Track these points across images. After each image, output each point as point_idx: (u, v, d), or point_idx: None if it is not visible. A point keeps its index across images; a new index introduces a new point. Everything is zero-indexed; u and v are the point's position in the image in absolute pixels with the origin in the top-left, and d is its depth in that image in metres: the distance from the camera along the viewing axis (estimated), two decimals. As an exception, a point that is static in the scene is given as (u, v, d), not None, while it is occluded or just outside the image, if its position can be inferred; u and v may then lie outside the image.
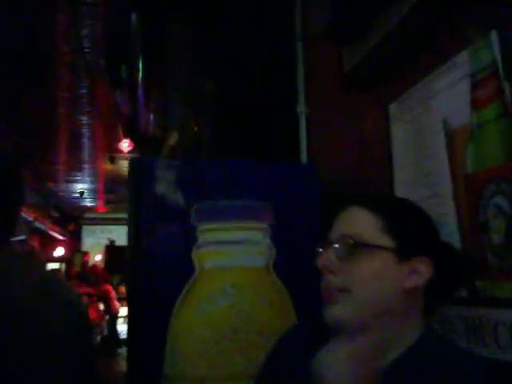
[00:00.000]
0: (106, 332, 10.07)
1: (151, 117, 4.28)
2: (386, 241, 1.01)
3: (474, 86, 1.32)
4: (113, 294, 10.36)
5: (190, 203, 1.80)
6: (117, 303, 10.27)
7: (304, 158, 2.30)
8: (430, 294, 1.03)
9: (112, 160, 8.35)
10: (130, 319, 1.84)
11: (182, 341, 1.72)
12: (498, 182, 1.24)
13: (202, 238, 1.79)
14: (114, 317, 10.18)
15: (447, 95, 1.43)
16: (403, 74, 1.66)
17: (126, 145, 6.60)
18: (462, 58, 1.36)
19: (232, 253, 1.80)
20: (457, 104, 1.38)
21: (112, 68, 4.18)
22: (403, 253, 1.01)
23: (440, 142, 1.46)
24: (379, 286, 1.00)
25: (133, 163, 1.87)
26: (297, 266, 1.77)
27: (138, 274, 1.80)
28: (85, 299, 10.08)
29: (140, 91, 3.83)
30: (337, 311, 1.00)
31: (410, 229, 1.04)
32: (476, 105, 1.31)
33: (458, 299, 1.36)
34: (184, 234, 1.80)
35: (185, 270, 1.78)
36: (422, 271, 1.01)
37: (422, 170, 1.55)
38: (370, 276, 1.00)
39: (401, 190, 1.66)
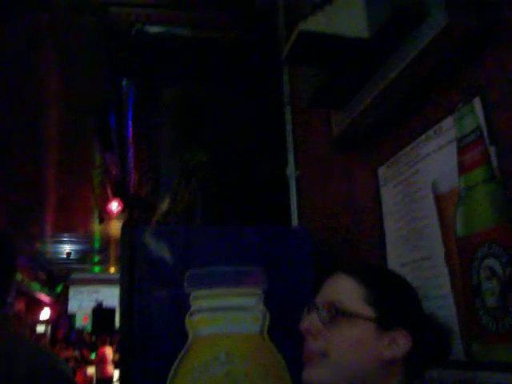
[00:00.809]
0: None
1: (142, 180, 4.30)
2: (368, 311, 1.06)
3: (461, 151, 1.35)
4: (107, 357, 10.11)
5: (182, 270, 1.80)
6: (111, 367, 10.01)
7: (295, 220, 2.31)
8: (410, 363, 1.06)
9: (101, 221, 8.32)
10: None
11: (177, 413, 1.69)
12: (489, 245, 1.25)
13: (194, 304, 1.78)
14: (107, 381, 9.90)
15: (435, 159, 1.47)
16: (391, 138, 1.70)
17: (115, 206, 6.61)
18: (448, 122, 1.40)
19: (226, 319, 1.79)
20: (445, 167, 1.41)
21: (102, 131, 4.24)
22: (383, 324, 1.05)
23: (430, 204, 1.48)
24: (357, 354, 1.03)
25: (125, 230, 1.88)
26: (292, 332, 1.76)
27: (130, 340, 1.78)
28: (71, 363, 9.80)
29: (130, 154, 3.86)
30: (314, 374, 1.05)
31: (391, 301, 1.09)
32: (463, 169, 1.34)
33: (455, 363, 1.35)
34: (177, 300, 1.79)
35: (178, 336, 1.76)
36: (400, 343, 1.05)
37: (413, 232, 1.57)
38: (348, 343, 1.04)
39: (393, 253, 1.67)
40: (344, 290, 1.10)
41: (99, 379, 10.01)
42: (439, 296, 1.43)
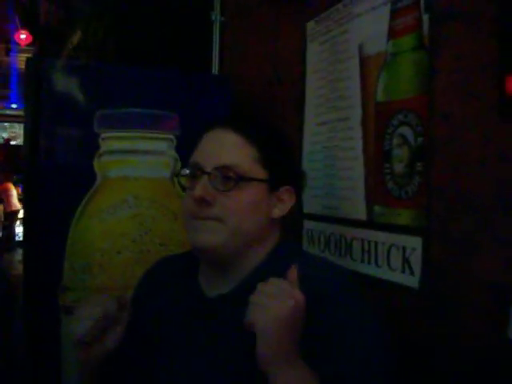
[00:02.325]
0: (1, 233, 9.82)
1: (52, 9, 3.92)
2: (261, 173, 1.03)
3: (393, 14, 1.30)
4: (12, 192, 10.01)
5: (92, 109, 1.71)
6: (15, 201, 9.97)
7: (215, 68, 2.23)
8: (286, 216, 1.08)
9: (8, 52, 7.74)
10: (27, 224, 1.78)
11: (82, 251, 1.69)
12: (405, 113, 1.26)
13: (104, 146, 1.72)
14: (12, 216, 9.89)
15: (366, 20, 1.41)
16: (324, -9, 1.61)
17: (23, 36, 6.10)
18: (386, -18, 1.33)
19: (135, 163, 1.75)
20: (375, 30, 1.37)
21: None
22: (273, 184, 1.04)
23: (354, 66, 1.45)
24: (251, 217, 1.03)
25: (31, 62, 1.73)
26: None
27: (35, 177, 1.72)
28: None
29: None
30: (210, 238, 1.01)
31: (280, 160, 1.07)
32: (393, 33, 1.31)
33: (357, 222, 1.42)
34: (86, 140, 1.72)
35: (86, 177, 1.72)
36: (286, 200, 1.06)
37: (334, 92, 1.55)
38: (244, 207, 1.02)
39: (311, 111, 1.66)
40: (236, 151, 1.03)
41: (6, 212, 10.03)
42: (350, 158, 1.45)
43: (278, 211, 1.06)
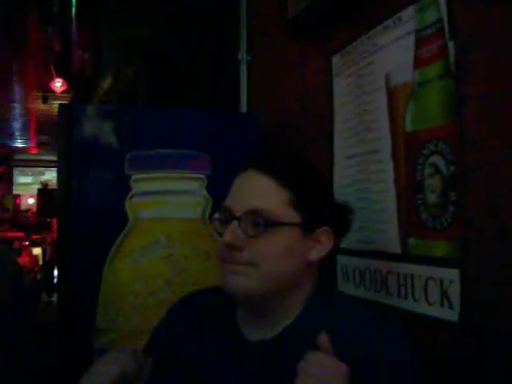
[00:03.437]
0: (39, 277, 9.90)
1: (85, 56, 4.06)
2: (294, 216, 1.00)
3: (419, 44, 1.29)
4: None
5: (123, 151, 1.74)
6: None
7: (244, 107, 2.25)
8: (324, 258, 1.05)
9: (45, 100, 7.96)
10: (60, 267, 1.79)
11: (115, 293, 1.69)
12: (436, 142, 1.24)
13: (135, 187, 1.74)
14: (52, 261, 9.99)
15: (391, 50, 1.41)
16: (348, 25, 1.62)
17: (58, 84, 6.29)
18: (409, 13, 1.33)
19: (167, 203, 1.76)
20: (400, 60, 1.36)
21: (44, 2, 3.92)
22: (308, 226, 1.01)
23: (381, 97, 1.44)
24: (285, 261, 0.99)
25: (63, 108, 1.77)
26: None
27: (68, 222, 1.74)
28: (16, 244, 9.84)
29: (73, 28, 3.62)
30: (242, 282, 0.99)
31: (315, 202, 1.04)
32: (419, 62, 1.29)
33: (391, 255, 1.38)
34: (117, 182, 1.74)
35: (118, 219, 1.73)
36: (324, 242, 1.03)
37: (362, 124, 1.54)
38: (277, 252, 0.99)
39: (340, 144, 1.65)
40: (266, 195, 1.00)
41: (49, 259, 10.13)
42: (382, 190, 1.43)
43: (316, 254, 1.03)
